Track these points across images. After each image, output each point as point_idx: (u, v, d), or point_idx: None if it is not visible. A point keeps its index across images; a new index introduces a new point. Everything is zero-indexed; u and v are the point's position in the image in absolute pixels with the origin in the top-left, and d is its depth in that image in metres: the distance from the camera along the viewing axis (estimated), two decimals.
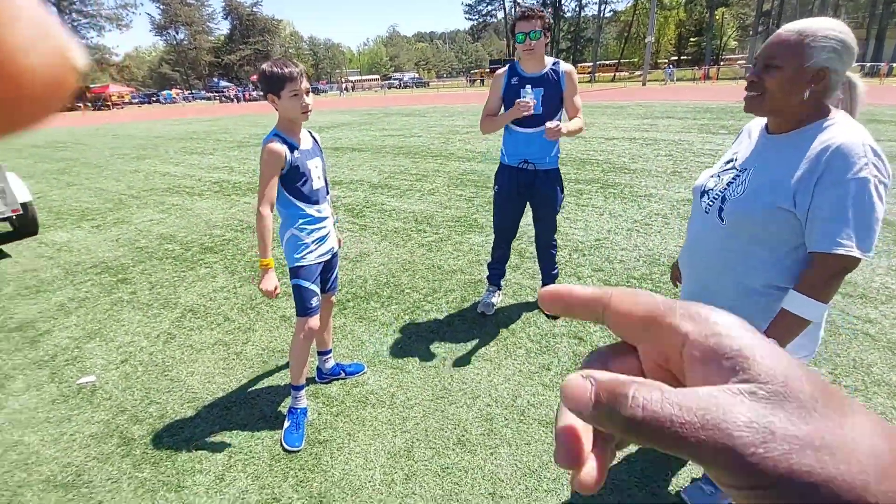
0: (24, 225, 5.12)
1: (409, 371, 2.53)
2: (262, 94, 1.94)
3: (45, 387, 2.55)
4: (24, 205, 4.73)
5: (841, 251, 1.05)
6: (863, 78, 1.21)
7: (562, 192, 2.85)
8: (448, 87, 53.65)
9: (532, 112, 2.47)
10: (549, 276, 3.12)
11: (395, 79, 67.72)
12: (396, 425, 2.15)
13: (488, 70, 54.82)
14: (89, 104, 48.96)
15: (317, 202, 2.05)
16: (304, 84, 1.87)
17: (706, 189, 1.34)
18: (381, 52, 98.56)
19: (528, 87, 2.51)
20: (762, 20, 44.34)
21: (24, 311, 3.45)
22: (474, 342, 2.76)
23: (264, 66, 1.84)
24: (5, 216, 4.51)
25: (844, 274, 1.10)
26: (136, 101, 53.47)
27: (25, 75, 0.15)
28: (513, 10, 58.67)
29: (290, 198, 1.99)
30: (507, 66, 2.66)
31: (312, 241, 2.06)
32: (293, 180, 1.95)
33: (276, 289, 1.95)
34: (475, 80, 55.85)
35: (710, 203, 1.30)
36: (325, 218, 2.12)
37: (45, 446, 2.13)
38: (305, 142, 2.01)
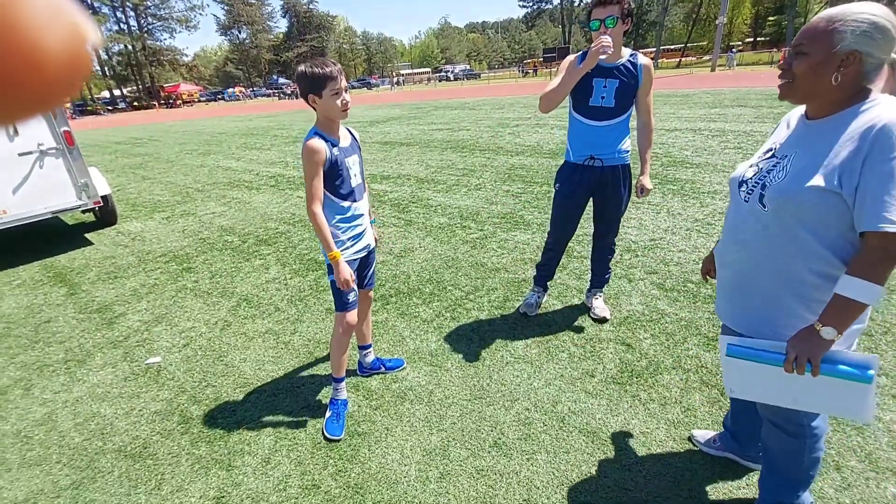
0: (105, 215, 5.66)
1: (448, 369, 2.54)
2: (299, 95, 1.97)
3: (119, 365, 2.81)
4: (104, 197, 5.20)
5: (892, 228, 1.03)
6: None
7: (628, 191, 2.66)
8: (499, 79, 52.94)
9: (611, 52, 2.25)
10: (600, 279, 3.00)
11: (445, 71, 67.70)
12: (433, 423, 2.17)
13: (542, 59, 53.39)
14: (163, 102, 52.82)
15: (354, 199, 2.07)
16: (344, 82, 1.89)
17: (744, 179, 1.32)
18: (433, 44, 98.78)
19: (605, 30, 2.24)
20: None
21: (104, 295, 3.80)
22: (515, 343, 2.73)
23: (303, 67, 1.86)
24: (88, 207, 4.98)
25: None
26: (204, 98, 57.05)
27: (43, 55, 0.15)
28: None
29: (328, 194, 2.01)
30: (580, 52, 2.48)
31: (349, 238, 2.08)
32: (332, 178, 1.98)
33: (352, 277, 2.04)
34: (528, 72, 54.66)
35: (750, 192, 1.29)
36: (362, 215, 2.13)
37: (118, 419, 2.34)
38: (344, 139, 2.03)
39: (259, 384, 2.54)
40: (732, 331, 1.44)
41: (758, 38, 54.43)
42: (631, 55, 2.42)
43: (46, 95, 0.16)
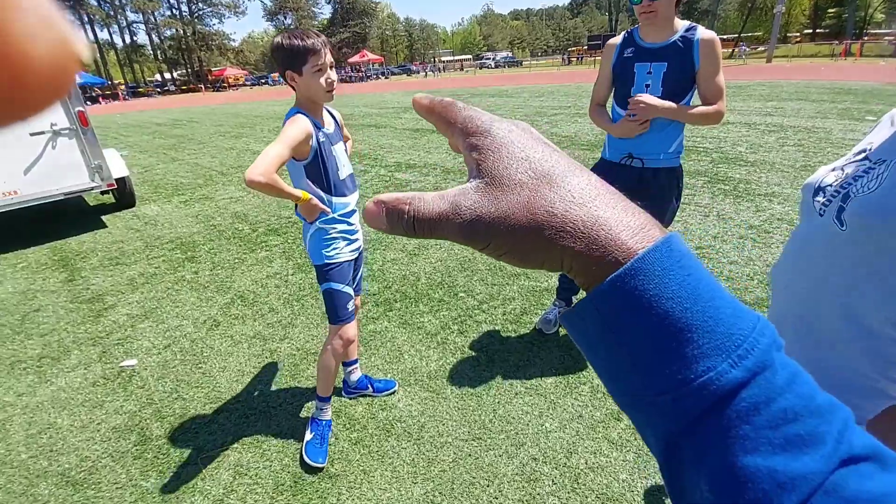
0: (123, 198, 5.58)
1: (446, 397, 2.17)
2: (279, 72, 1.62)
3: (92, 366, 2.59)
4: (119, 179, 5.08)
5: None
6: None
7: (678, 199, 2.16)
8: (541, 67, 51.35)
9: (644, 114, 1.92)
10: None
11: (486, 58, 66.41)
12: (420, 468, 1.81)
13: (586, 47, 51.34)
14: (210, 86, 54.46)
15: (344, 193, 1.74)
16: (328, 58, 1.55)
17: (821, 186, 0.94)
18: (476, 31, 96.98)
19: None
20: None
21: (100, 283, 3.64)
22: (529, 369, 2.32)
23: (279, 37, 1.55)
24: (103, 189, 4.87)
25: None
26: (249, 82, 58.43)
27: (30, 62, 0.15)
28: None
29: (316, 189, 1.69)
30: (623, 36, 2.04)
31: (342, 237, 1.77)
32: (319, 168, 1.65)
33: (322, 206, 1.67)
34: (572, 60, 52.67)
35: (827, 203, 0.91)
36: (354, 212, 1.80)
37: (72, 433, 2.10)
38: (329, 125, 1.69)
39: (232, 399, 2.25)
40: None
41: (817, 30, 50.04)
42: (687, 29, 1.89)
43: (27, 104, 0.16)
